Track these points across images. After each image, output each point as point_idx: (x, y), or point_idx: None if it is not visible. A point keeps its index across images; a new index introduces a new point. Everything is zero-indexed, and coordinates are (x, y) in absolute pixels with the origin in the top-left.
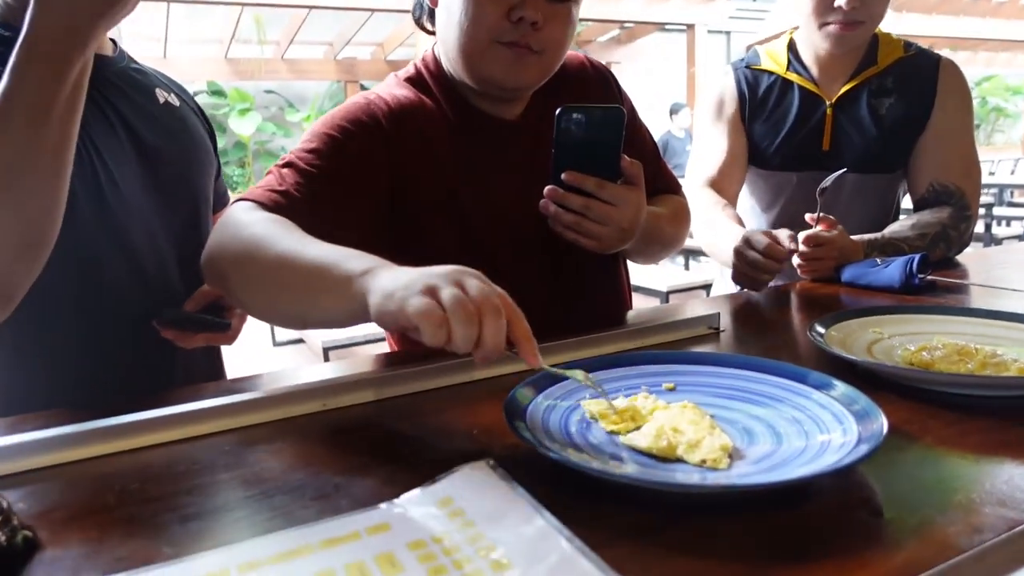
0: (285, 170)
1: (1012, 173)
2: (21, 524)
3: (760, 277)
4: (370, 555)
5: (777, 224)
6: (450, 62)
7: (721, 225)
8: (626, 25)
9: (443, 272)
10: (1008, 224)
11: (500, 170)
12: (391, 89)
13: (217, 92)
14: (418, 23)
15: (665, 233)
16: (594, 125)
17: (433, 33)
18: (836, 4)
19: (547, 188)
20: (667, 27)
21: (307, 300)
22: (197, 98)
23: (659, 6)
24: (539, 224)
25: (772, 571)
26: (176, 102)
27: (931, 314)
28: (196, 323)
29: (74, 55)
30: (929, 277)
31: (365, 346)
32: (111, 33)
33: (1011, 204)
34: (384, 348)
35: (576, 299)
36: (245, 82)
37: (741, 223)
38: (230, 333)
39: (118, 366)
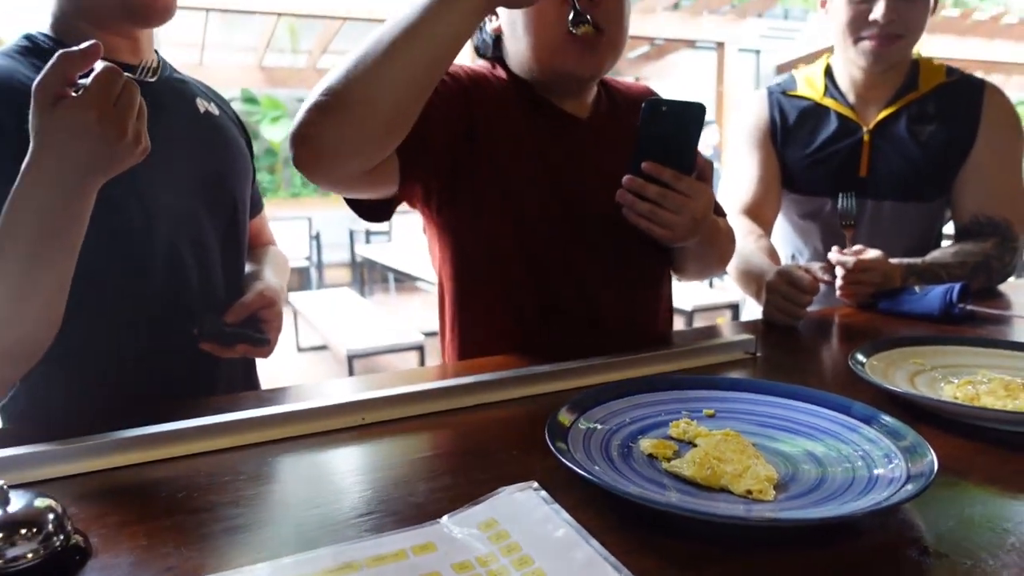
0: None
1: None
2: (74, 529)
3: (796, 312)
4: (417, 575)
5: (811, 249)
6: (527, 70)
7: (754, 259)
8: (656, 42)
9: None
10: None
11: (568, 162)
12: (487, 69)
13: (250, 99)
14: (483, 56)
15: (720, 242)
16: (677, 118)
17: (498, 60)
18: (872, 17)
19: (625, 177)
20: (697, 44)
21: (423, 33)
22: (231, 105)
23: (690, 24)
24: (595, 216)
25: None
26: (216, 111)
27: (975, 346)
28: (235, 336)
29: (72, 197)
30: (969, 307)
31: (387, 355)
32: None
33: None
34: (408, 358)
35: (627, 300)
36: (278, 90)
37: (775, 255)
38: (267, 347)
39: (160, 373)
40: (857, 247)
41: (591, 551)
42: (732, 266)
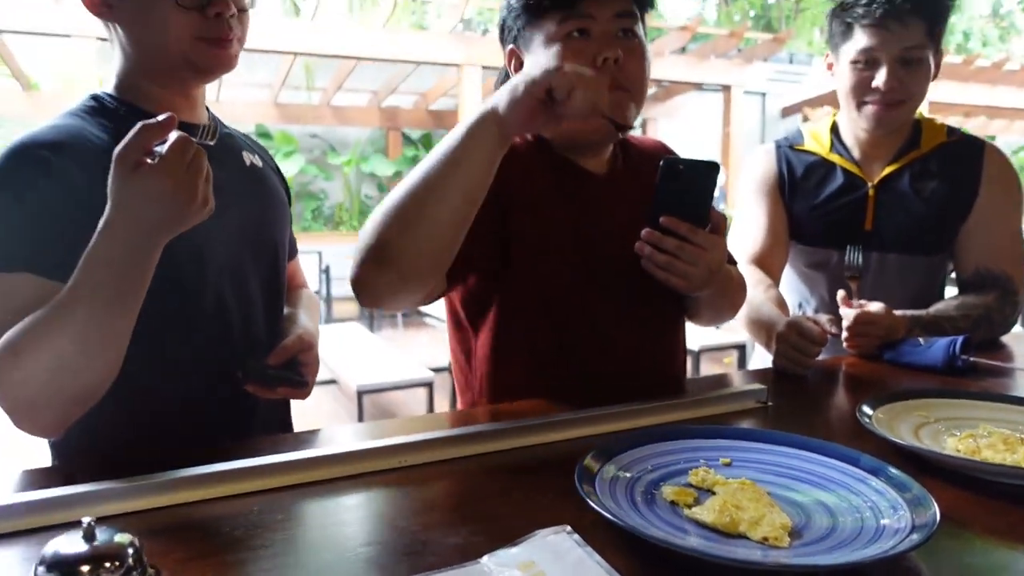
0: None
1: None
2: (150, 563)
3: (805, 362)
4: None
5: (817, 298)
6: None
7: (764, 309)
8: (664, 84)
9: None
10: None
11: (587, 217)
12: None
13: (264, 135)
14: None
15: (732, 290)
16: (692, 176)
17: None
18: (875, 84)
19: (644, 231)
20: (704, 87)
21: (458, 156)
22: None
23: (697, 67)
24: (623, 274)
25: None
26: (259, 163)
27: (976, 400)
28: (277, 379)
29: (138, 263)
30: (971, 359)
31: (397, 392)
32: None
33: None
34: (417, 394)
35: (645, 345)
36: (291, 125)
37: (783, 305)
38: (305, 389)
39: (205, 413)
40: (862, 301)
41: None
42: (742, 314)
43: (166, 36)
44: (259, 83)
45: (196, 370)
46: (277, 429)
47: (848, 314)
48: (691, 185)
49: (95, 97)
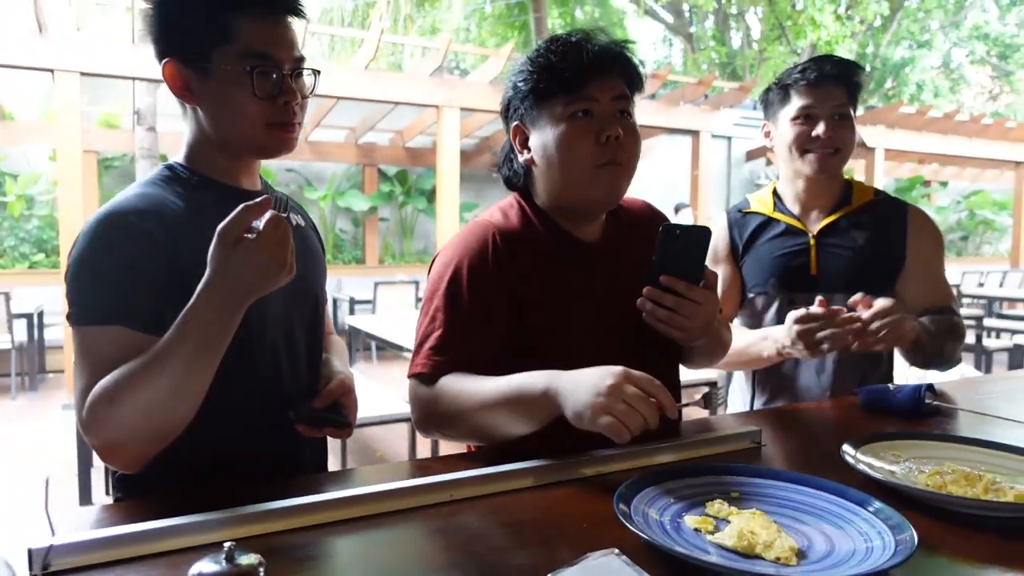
0: (436, 328)
1: (1001, 285)
2: None
3: (840, 336)
4: None
5: None
6: (555, 198)
7: (746, 335)
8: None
9: (609, 386)
10: (998, 336)
11: (586, 281)
12: (506, 212)
13: None
14: (512, 187)
15: (722, 336)
16: (688, 240)
17: (517, 189)
18: (815, 134)
19: (646, 288)
20: (673, 131)
21: (510, 423)
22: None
23: (669, 113)
24: (620, 331)
25: None
26: (302, 223)
27: (940, 441)
28: (323, 419)
29: (229, 322)
30: (935, 403)
31: (376, 427)
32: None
33: (1000, 316)
34: (397, 429)
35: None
36: (268, 161)
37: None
38: (348, 429)
39: (259, 450)
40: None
41: None
42: (731, 354)
43: (242, 121)
44: None
45: (251, 411)
46: (315, 466)
47: (879, 303)
48: (686, 248)
49: (169, 167)
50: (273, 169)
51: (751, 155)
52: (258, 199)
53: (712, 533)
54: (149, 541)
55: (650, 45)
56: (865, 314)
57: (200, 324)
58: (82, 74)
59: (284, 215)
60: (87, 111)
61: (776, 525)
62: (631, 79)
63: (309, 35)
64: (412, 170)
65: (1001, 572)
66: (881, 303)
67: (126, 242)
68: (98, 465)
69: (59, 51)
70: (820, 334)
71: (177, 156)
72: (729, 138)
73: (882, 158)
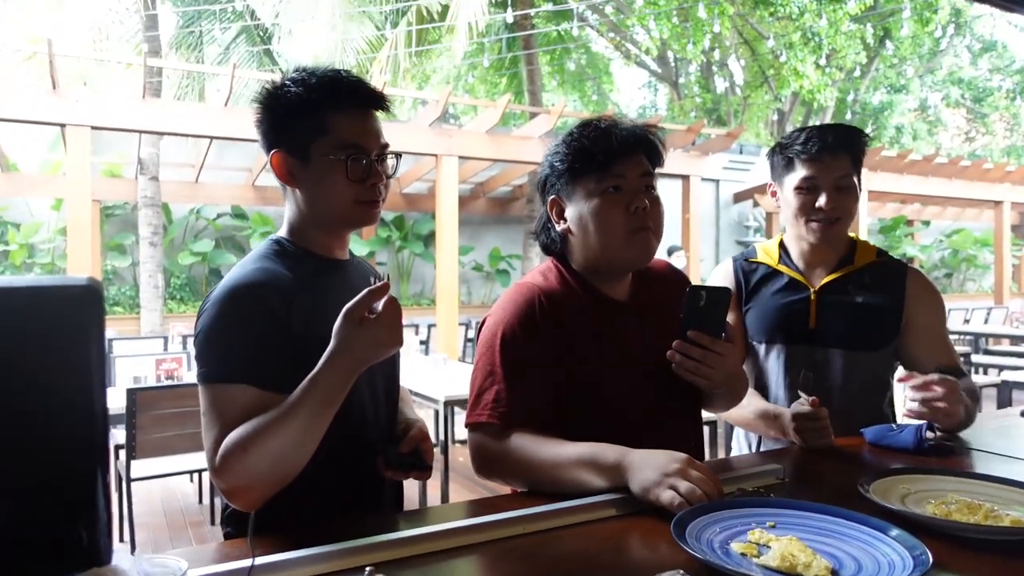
0: (495, 386)
1: (986, 322)
2: None
3: (828, 435)
4: None
5: (772, 385)
6: (591, 262)
7: (760, 404)
8: None
9: (676, 469)
10: (986, 372)
11: (619, 336)
12: (546, 275)
13: (240, 215)
14: (549, 253)
15: (742, 382)
16: (711, 298)
17: (554, 254)
18: (818, 205)
19: (675, 342)
20: (665, 175)
21: (578, 483)
22: (221, 220)
23: None
24: (648, 378)
25: None
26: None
27: (944, 475)
28: (410, 464)
29: (347, 385)
30: (934, 441)
31: None
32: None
33: (987, 352)
34: None
35: (672, 435)
36: (267, 207)
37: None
38: (428, 472)
39: (349, 490)
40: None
41: None
42: (745, 411)
43: (335, 200)
44: (237, 167)
45: (342, 454)
46: (395, 502)
47: (933, 384)
48: (710, 306)
49: (276, 241)
50: (272, 215)
51: (738, 197)
52: (379, 284)
53: (757, 557)
54: (324, 561)
55: (636, 91)
56: (932, 390)
57: (324, 387)
58: (92, 128)
59: (380, 282)
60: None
61: (811, 549)
62: (653, 157)
63: None
64: (409, 215)
65: None
66: (940, 377)
67: (250, 311)
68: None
69: (71, 107)
70: (811, 434)
71: (281, 231)
72: (717, 181)
73: (866, 199)
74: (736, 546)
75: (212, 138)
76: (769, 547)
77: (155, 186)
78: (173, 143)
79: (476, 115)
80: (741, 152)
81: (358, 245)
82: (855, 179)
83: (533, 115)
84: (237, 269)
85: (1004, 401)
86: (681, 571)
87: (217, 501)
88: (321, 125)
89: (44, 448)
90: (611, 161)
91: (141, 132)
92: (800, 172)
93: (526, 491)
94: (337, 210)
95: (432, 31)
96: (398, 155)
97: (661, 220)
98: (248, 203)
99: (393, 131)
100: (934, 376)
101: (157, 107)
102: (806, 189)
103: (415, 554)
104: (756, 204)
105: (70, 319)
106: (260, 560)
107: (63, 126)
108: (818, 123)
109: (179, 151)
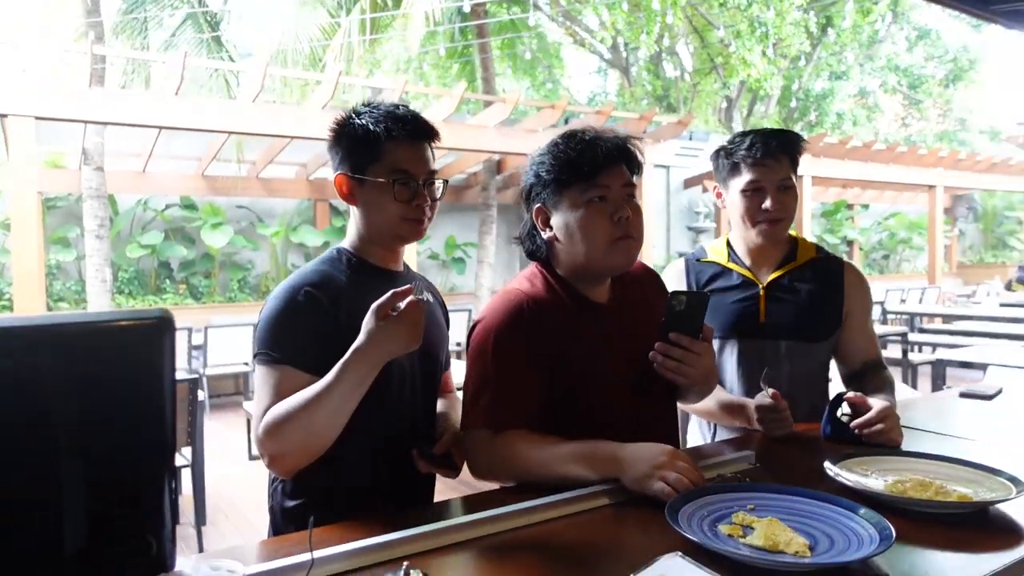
0: (490, 390)
1: (920, 301)
2: None
3: (789, 424)
4: None
5: (728, 379)
6: (576, 267)
7: (725, 396)
8: None
9: (664, 461)
10: (921, 350)
11: (602, 336)
12: (532, 281)
13: (190, 206)
14: (533, 257)
15: (716, 378)
16: (691, 302)
17: (538, 259)
18: (764, 207)
19: (658, 344)
20: None
21: (575, 477)
22: (170, 211)
23: None
24: (628, 375)
25: None
26: (431, 299)
27: (898, 456)
28: (440, 462)
29: (372, 373)
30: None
31: None
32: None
33: (922, 330)
34: None
35: (648, 428)
36: (218, 197)
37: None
38: (457, 471)
39: (385, 478)
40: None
41: None
42: (711, 402)
43: (385, 217)
44: (187, 156)
45: (381, 444)
46: (426, 491)
47: (878, 405)
48: (690, 310)
49: (338, 250)
50: (224, 206)
51: (688, 183)
52: (404, 286)
53: (743, 537)
54: (369, 553)
55: (587, 77)
56: (872, 416)
57: (352, 373)
58: (36, 118)
59: (421, 297)
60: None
61: (789, 528)
62: (633, 167)
63: (268, 77)
64: None
65: (953, 553)
66: (880, 406)
67: (305, 305)
68: None
69: (13, 96)
70: (773, 424)
71: (344, 243)
72: (668, 167)
73: (809, 184)
74: (723, 528)
75: (162, 128)
76: (752, 528)
77: (100, 177)
78: (119, 132)
79: (429, 102)
80: (691, 139)
81: (312, 235)
82: (794, 181)
83: (488, 103)
84: (301, 270)
85: (939, 377)
86: (679, 552)
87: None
88: (376, 152)
89: (121, 463)
90: (596, 172)
91: (88, 123)
92: (746, 176)
93: (513, 486)
94: (386, 225)
95: (385, 18)
96: (445, 181)
97: (642, 228)
98: (198, 194)
99: None
100: (873, 412)
101: (104, 96)
102: (752, 192)
103: (454, 542)
104: (706, 190)
105: (147, 347)
106: (319, 553)
107: (4, 116)
108: (763, 109)
109: (125, 140)
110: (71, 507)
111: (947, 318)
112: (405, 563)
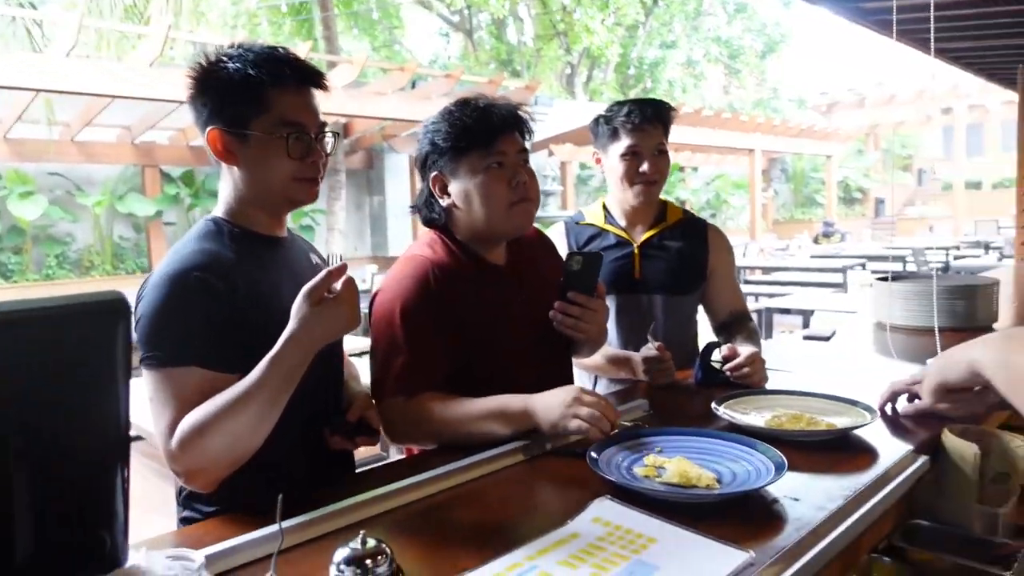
0: (401, 357)
1: (743, 255)
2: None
3: (672, 374)
4: (566, 553)
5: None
6: (476, 232)
7: (611, 350)
8: None
9: (572, 399)
10: (756, 300)
11: (502, 296)
12: (433, 247)
13: None
14: (431, 224)
15: (606, 333)
16: (587, 263)
17: (436, 226)
18: (641, 170)
19: (556, 303)
20: None
21: (491, 434)
22: None
23: None
24: (528, 333)
25: (750, 528)
26: (318, 261)
27: (768, 395)
28: (355, 431)
29: (305, 364)
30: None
31: None
32: None
33: (747, 282)
34: None
35: (548, 383)
36: (25, 163)
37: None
38: (376, 437)
39: (304, 457)
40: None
41: (666, 524)
42: (599, 356)
43: (276, 178)
44: None
45: (295, 428)
46: (343, 475)
47: (745, 352)
48: (585, 269)
49: (214, 221)
50: (33, 173)
51: (536, 147)
52: (338, 264)
53: (657, 477)
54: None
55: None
56: (741, 360)
57: (283, 367)
58: None
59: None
60: None
61: (697, 465)
62: (524, 134)
63: (82, 29)
64: (200, 170)
65: (828, 474)
66: (748, 352)
67: (192, 294)
68: None
69: None
70: (658, 373)
71: (216, 211)
72: None
73: None
74: (639, 470)
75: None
76: (665, 468)
77: None
78: None
79: None
80: (536, 103)
81: (142, 204)
82: (666, 145)
83: (332, 64)
84: (173, 252)
85: (766, 323)
86: (608, 496)
87: None
88: (261, 102)
89: (75, 455)
90: (493, 139)
91: None
92: (625, 141)
93: (430, 449)
94: (277, 187)
95: None
96: (336, 133)
97: (538, 191)
98: (2, 158)
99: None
100: (742, 357)
101: None
102: (630, 155)
103: (398, 505)
104: (551, 154)
105: (100, 331)
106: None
107: None
108: (602, 75)
109: None
110: (19, 508)
111: (767, 270)
112: (362, 531)
